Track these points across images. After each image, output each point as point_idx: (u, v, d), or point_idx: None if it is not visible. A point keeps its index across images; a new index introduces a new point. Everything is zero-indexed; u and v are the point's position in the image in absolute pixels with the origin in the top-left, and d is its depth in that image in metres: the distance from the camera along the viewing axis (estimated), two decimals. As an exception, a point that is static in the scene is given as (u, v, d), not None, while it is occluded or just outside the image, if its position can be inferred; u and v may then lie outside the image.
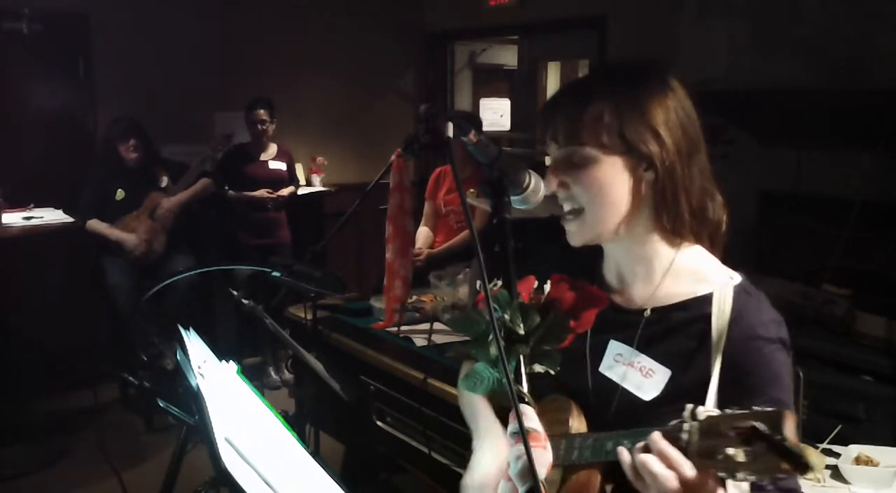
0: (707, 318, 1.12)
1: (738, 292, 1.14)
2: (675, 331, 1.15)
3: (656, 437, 0.97)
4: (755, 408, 0.89)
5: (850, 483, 1.87)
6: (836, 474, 1.90)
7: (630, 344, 1.18)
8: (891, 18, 3.55)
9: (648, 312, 1.18)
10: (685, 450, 0.93)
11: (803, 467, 0.84)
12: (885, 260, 3.20)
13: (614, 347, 1.20)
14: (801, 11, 3.86)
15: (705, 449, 0.91)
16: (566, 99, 1.18)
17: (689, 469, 0.93)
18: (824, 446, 2.00)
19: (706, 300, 1.14)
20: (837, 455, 1.96)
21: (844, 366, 2.46)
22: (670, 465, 0.94)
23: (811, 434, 2.05)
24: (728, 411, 0.92)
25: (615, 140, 1.12)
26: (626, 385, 1.17)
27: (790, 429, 0.86)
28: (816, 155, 3.66)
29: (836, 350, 2.53)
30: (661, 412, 1.01)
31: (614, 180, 1.13)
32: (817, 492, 1.85)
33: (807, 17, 3.84)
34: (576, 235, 1.19)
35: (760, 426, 0.87)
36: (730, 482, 0.96)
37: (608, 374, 1.20)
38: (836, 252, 2.96)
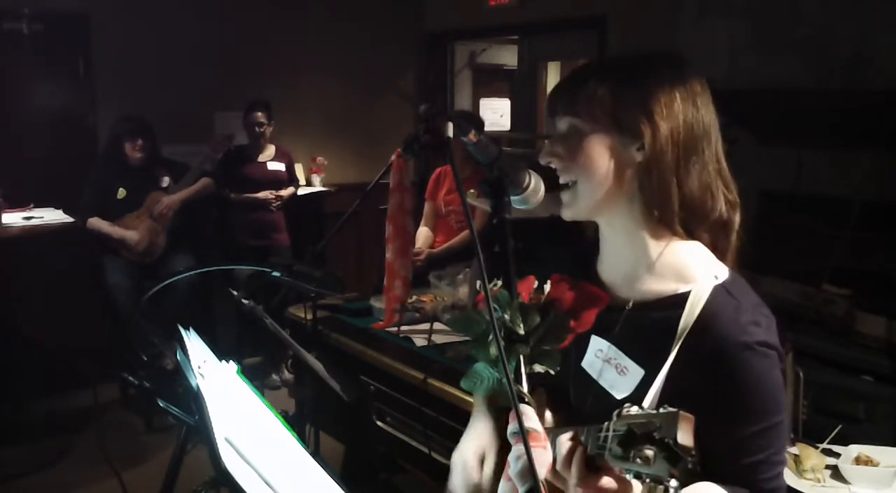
0: (679, 319, 1.08)
1: (718, 291, 1.08)
2: (650, 330, 1.12)
3: (563, 438, 1.02)
4: (660, 410, 0.87)
5: (850, 483, 1.87)
6: (836, 474, 1.90)
7: (610, 340, 1.17)
8: (891, 18, 3.54)
9: (630, 306, 1.16)
10: (604, 450, 0.92)
11: (687, 473, 0.81)
12: (885, 260, 3.20)
13: (595, 342, 1.20)
14: (801, 11, 3.86)
15: (622, 450, 0.88)
16: (573, 74, 1.19)
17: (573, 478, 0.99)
18: (824, 446, 2.00)
19: (682, 300, 1.09)
20: (837, 455, 1.96)
21: (844, 366, 2.46)
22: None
23: (811, 434, 2.05)
24: (640, 411, 0.90)
25: (606, 116, 1.12)
26: (601, 382, 1.17)
27: (683, 431, 0.83)
28: (816, 155, 3.66)
29: (836, 350, 2.52)
30: None
31: (601, 156, 1.12)
32: (817, 492, 1.85)
33: (807, 17, 3.83)
34: (567, 207, 1.18)
35: (651, 428, 0.85)
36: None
37: (588, 369, 1.20)
38: (836, 252, 2.96)
